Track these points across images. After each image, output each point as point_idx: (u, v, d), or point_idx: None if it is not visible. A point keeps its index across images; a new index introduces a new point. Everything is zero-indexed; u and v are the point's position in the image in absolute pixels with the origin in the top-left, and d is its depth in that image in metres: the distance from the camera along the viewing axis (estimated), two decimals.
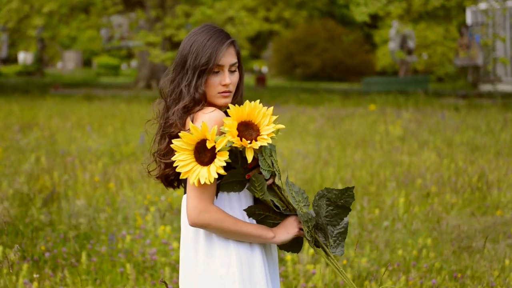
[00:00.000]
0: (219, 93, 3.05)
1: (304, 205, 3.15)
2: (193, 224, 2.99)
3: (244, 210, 3.07)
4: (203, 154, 2.93)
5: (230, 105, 2.94)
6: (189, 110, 3.04)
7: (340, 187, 8.94)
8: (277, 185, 3.13)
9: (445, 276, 6.03)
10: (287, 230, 3.11)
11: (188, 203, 3.00)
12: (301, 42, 35.64)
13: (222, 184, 3.02)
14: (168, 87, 3.10)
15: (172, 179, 3.19)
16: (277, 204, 3.11)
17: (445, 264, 6.33)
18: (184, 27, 25.40)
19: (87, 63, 50.57)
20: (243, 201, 3.11)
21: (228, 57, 3.06)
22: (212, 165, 2.91)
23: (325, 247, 3.15)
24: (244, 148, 2.97)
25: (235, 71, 3.09)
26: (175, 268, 5.99)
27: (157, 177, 3.19)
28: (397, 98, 22.76)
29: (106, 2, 28.27)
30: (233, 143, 2.92)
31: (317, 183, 9.31)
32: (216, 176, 2.90)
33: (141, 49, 26.76)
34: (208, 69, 3.01)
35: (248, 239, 3.06)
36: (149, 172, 3.25)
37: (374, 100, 22.36)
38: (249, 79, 35.75)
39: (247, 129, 2.98)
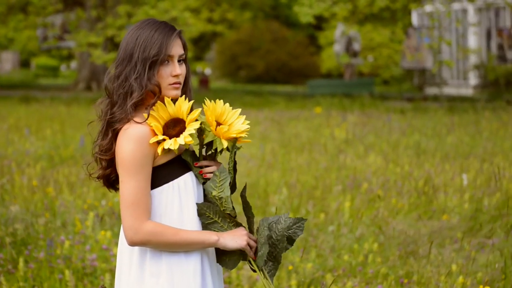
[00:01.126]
0: (170, 84, 2.98)
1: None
2: (132, 244, 2.90)
3: (197, 204, 2.97)
4: (172, 128, 2.93)
5: (207, 101, 3.00)
6: (142, 104, 2.97)
7: (284, 191, 8.82)
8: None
9: (392, 281, 5.95)
10: (235, 239, 2.98)
11: (123, 223, 2.89)
12: (245, 44, 35.60)
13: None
14: (113, 84, 2.99)
15: (114, 180, 3.08)
16: (230, 212, 3.01)
17: (391, 270, 6.26)
18: (126, 27, 25.13)
19: (25, 64, 49.80)
20: (185, 210, 2.97)
21: (177, 48, 3.00)
22: (180, 136, 2.92)
23: (264, 271, 3.05)
24: (206, 145, 3.03)
25: (182, 62, 3.04)
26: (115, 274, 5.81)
27: (98, 178, 3.08)
28: (343, 101, 22.82)
29: (44, 1, 27.81)
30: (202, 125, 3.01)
31: (262, 187, 9.19)
32: (183, 143, 2.89)
33: (82, 50, 26.34)
34: (159, 59, 2.94)
35: (192, 247, 2.94)
36: (90, 174, 3.13)
37: (319, 103, 22.36)
38: (192, 81, 35.65)
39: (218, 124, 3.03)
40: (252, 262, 3.04)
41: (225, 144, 3.00)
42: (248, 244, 3.00)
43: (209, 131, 3.02)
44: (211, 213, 3.00)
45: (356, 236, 7.26)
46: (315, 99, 23.91)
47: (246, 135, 3.08)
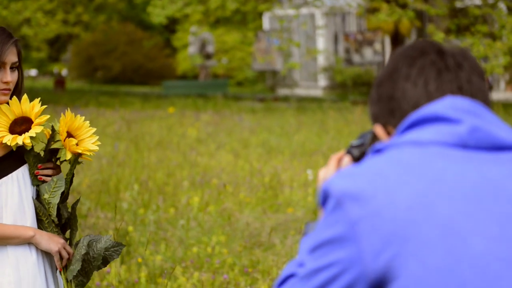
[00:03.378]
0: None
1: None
2: None
3: (33, 199, 3.09)
4: (18, 126, 3.04)
5: (68, 112, 3.09)
6: None
7: (136, 188, 8.98)
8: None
9: (237, 271, 6.22)
10: (50, 241, 3.09)
11: None
12: (101, 46, 35.35)
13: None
14: None
15: None
16: (53, 219, 3.13)
17: (237, 260, 6.52)
18: None
19: None
20: (25, 202, 3.10)
21: (11, 56, 3.06)
22: (23, 135, 3.02)
23: (72, 284, 3.20)
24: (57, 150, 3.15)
25: (15, 70, 3.10)
26: None
27: None
28: (197, 102, 23.05)
29: None
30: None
31: (113, 183, 9.30)
32: (20, 143, 2.99)
33: None
34: None
35: (10, 241, 3.04)
36: None
37: (174, 103, 22.52)
38: (48, 82, 35.01)
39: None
40: (62, 273, 3.16)
41: (69, 156, 3.11)
42: (60, 253, 3.12)
43: (59, 140, 3.13)
44: (41, 211, 3.12)
45: (205, 229, 7.51)
46: (170, 100, 24.05)
47: (91, 154, 3.21)
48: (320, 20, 28.50)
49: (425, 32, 23.27)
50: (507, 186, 1.47)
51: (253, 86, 33.07)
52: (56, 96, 24.63)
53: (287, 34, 25.98)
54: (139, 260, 6.32)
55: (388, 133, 1.64)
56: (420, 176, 1.45)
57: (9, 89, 3.06)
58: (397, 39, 29.55)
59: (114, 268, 6.07)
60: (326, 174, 1.81)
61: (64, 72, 36.69)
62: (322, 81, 29.91)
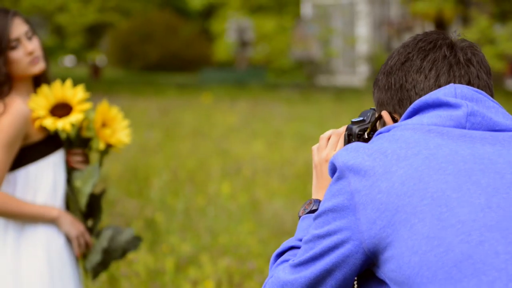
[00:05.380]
0: (28, 63, 3.05)
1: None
2: None
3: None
4: (58, 110, 3.08)
5: (104, 102, 3.18)
6: (17, 88, 3.07)
7: (165, 176, 8.98)
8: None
9: (264, 259, 6.18)
10: (72, 225, 3.13)
11: None
12: (138, 33, 35.41)
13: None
14: None
15: None
16: (80, 206, 3.16)
17: (264, 248, 6.49)
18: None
19: None
20: (58, 186, 3.13)
21: (18, 28, 3.05)
22: (64, 119, 3.07)
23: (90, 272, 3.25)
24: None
25: (31, 36, 3.09)
26: None
27: None
28: (233, 90, 23.02)
29: None
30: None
31: (143, 171, 9.32)
32: (61, 128, 3.03)
33: None
34: (2, 47, 3.00)
35: (34, 219, 3.08)
36: None
37: (210, 91, 22.53)
38: (83, 70, 35.21)
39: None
40: (80, 260, 3.21)
41: (102, 146, 3.15)
42: (78, 240, 3.15)
43: (92, 128, 3.15)
44: (69, 197, 3.16)
45: (233, 218, 7.48)
46: (206, 88, 24.02)
47: (120, 147, 3.23)
48: (361, 6, 28.27)
49: (468, 17, 23.03)
50: (496, 161, 1.58)
51: (291, 75, 32.96)
52: (91, 85, 24.74)
53: (326, 22, 25.80)
54: (166, 248, 6.32)
55: (394, 120, 1.76)
56: (417, 153, 1.57)
57: (37, 57, 3.07)
58: (441, 25, 29.20)
59: (141, 256, 6.06)
60: (318, 151, 1.94)
61: (100, 59, 36.81)
62: (362, 69, 29.72)
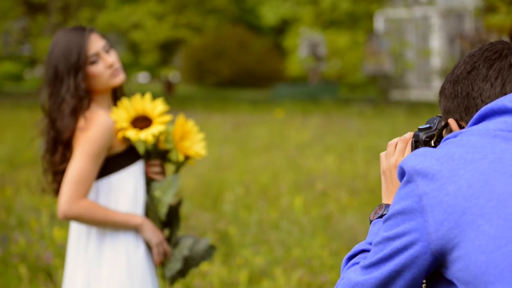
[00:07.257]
0: (110, 76, 3.14)
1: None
2: (65, 217, 3.08)
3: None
4: (139, 122, 3.19)
5: (181, 116, 3.29)
6: (76, 112, 3.11)
7: (238, 190, 9.03)
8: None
9: (337, 272, 6.17)
10: (153, 234, 3.20)
11: (62, 196, 3.09)
12: (211, 49, 35.65)
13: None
14: (48, 102, 3.16)
15: None
16: (159, 216, 3.23)
17: (338, 261, 6.47)
18: None
19: None
20: (138, 195, 3.21)
21: (95, 44, 3.14)
22: (145, 130, 3.16)
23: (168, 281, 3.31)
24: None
25: (109, 50, 3.17)
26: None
27: (56, 192, 3.24)
28: (306, 105, 23.01)
29: (5, 4, 27.44)
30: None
31: (216, 186, 9.39)
32: (142, 139, 3.13)
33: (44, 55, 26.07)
34: (81, 64, 3.08)
35: (118, 226, 3.16)
36: (43, 190, 3.32)
37: (282, 107, 22.56)
38: (157, 86, 35.61)
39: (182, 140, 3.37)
40: (159, 268, 3.29)
41: (181, 157, 3.25)
42: (158, 248, 3.22)
43: (171, 140, 3.24)
44: (148, 207, 3.24)
45: (305, 231, 7.48)
46: (278, 103, 24.08)
47: (197, 159, 3.33)
48: (434, 20, 28.00)
49: None
50: None
51: (364, 90, 32.79)
52: (165, 100, 24.91)
53: (399, 36, 25.63)
54: (240, 260, 6.35)
55: (461, 127, 1.81)
56: (483, 157, 1.62)
57: (117, 69, 3.16)
58: None
59: (215, 268, 6.11)
60: (386, 157, 2.00)
61: (173, 76, 37.13)
62: (437, 84, 29.40)
